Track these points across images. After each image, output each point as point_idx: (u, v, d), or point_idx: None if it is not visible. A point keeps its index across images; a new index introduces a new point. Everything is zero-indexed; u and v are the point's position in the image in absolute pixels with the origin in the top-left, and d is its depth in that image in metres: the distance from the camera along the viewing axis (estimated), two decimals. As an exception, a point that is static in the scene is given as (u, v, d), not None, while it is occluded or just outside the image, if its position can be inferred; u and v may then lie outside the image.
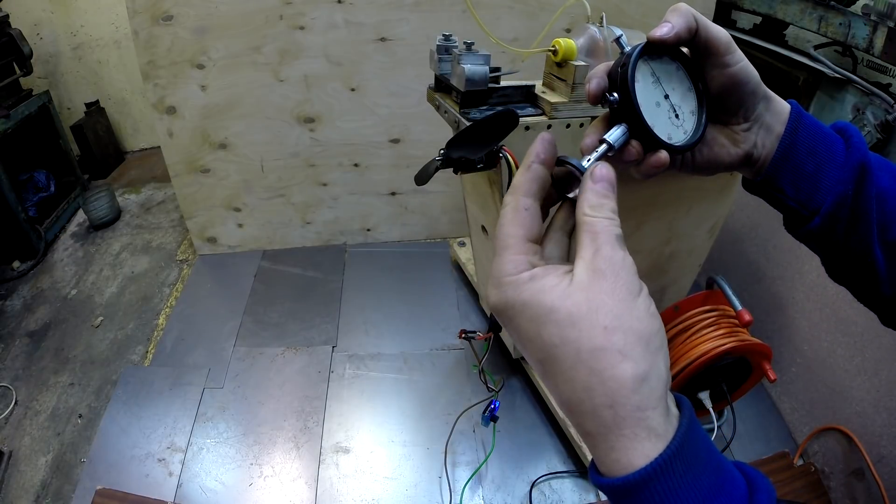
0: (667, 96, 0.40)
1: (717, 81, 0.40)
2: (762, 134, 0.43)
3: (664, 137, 0.39)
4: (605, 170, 0.35)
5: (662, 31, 0.38)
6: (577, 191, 0.36)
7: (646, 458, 0.26)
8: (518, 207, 0.34)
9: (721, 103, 0.42)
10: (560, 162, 0.37)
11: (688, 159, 0.43)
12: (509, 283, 0.32)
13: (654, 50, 0.39)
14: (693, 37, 0.38)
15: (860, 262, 0.43)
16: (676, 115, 0.40)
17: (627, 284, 0.30)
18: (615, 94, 0.39)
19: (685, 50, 0.41)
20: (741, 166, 0.44)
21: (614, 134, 0.38)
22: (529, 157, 0.36)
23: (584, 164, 0.37)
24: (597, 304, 0.29)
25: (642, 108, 0.38)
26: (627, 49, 0.39)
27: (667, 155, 0.38)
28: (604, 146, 0.38)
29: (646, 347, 0.28)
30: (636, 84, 0.38)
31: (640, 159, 0.39)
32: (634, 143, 0.38)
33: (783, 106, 0.44)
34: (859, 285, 0.46)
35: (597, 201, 0.33)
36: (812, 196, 0.42)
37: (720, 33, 0.39)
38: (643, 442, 0.26)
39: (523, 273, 0.32)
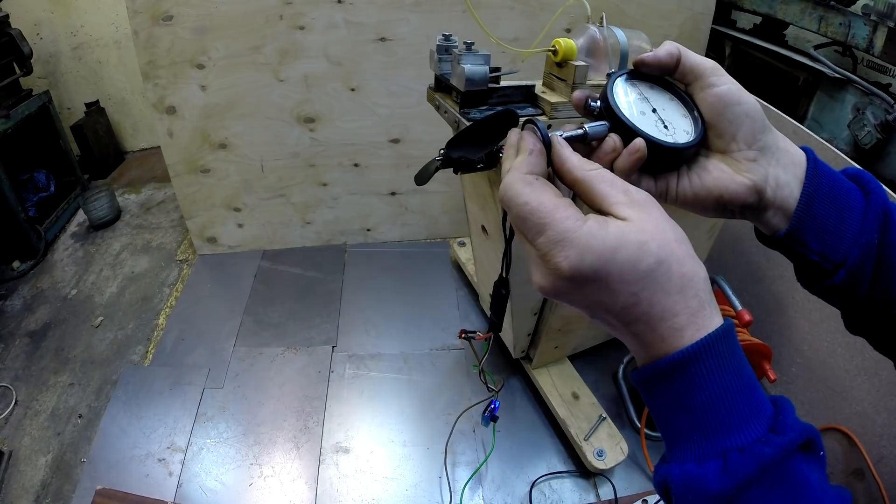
0: (654, 110, 0.41)
1: (707, 102, 0.41)
2: (773, 169, 0.41)
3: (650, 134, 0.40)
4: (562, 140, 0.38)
5: (644, 55, 0.42)
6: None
7: (719, 322, 0.33)
8: (528, 180, 0.35)
9: (715, 127, 0.41)
10: (530, 122, 0.38)
11: (685, 186, 0.42)
12: (585, 235, 0.32)
13: (641, 76, 0.43)
14: (677, 63, 0.42)
15: (883, 312, 0.41)
16: (665, 126, 0.41)
17: (662, 207, 0.35)
18: (598, 101, 0.42)
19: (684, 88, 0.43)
20: (755, 209, 0.41)
21: (593, 124, 0.41)
22: (527, 146, 0.38)
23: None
24: (661, 226, 0.33)
25: (626, 113, 0.40)
26: None
27: (642, 142, 0.39)
28: (580, 131, 0.40)
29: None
30: (619, 94, 0.41)
31: (619, 152, 0.40)
32: (613, 135, 0.40)
33: (796, 149, 0.42)
34: (880, 336, 0.44)
35: (582, 160, 0.36)
36: (836, 248, 0.40)
37: (704, 59, 0.42)
38: (715, 316, 0.33)
39: (588, 222, 0.33)
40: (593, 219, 0.33)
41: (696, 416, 0.32)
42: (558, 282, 0.33)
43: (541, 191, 0.34)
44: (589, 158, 0.41)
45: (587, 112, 0.43)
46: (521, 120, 0.41)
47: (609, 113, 0.41)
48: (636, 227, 0.32)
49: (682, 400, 0.32)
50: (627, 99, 0.41)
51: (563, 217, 0.33)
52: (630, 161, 0.39)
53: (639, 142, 0.39)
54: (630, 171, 0.40)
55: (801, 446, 0.31)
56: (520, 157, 0.37)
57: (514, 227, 0.36)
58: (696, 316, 0.32)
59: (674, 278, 0.32)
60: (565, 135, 0.39)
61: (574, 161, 0.36)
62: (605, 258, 0.32)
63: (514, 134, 0.41)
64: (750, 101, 0.40)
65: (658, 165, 0.41)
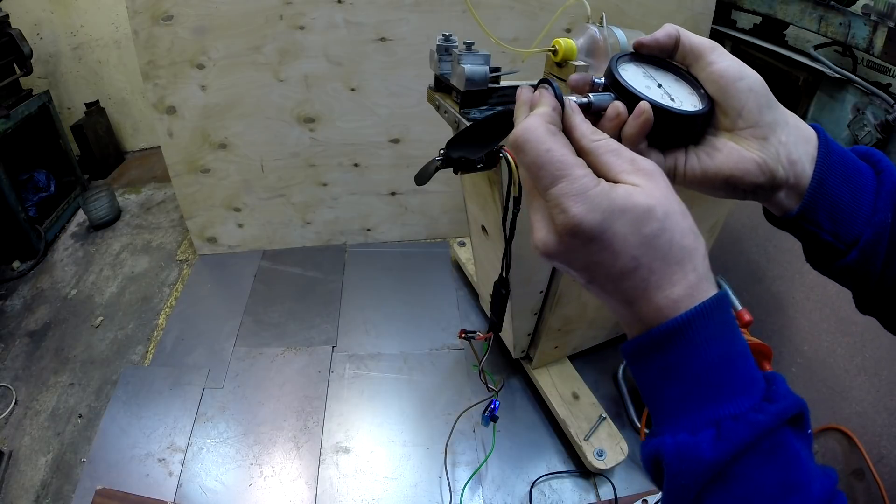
0: (660, 85, 0.41)
1: (710, 80, 0.40)
2: (784, 147, 0.40)
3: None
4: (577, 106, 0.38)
5: (643, 37, 0.43)
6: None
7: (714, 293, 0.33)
8: (552, 129, 0.35)
9: (720, 104, 0.41)
10: (545, 81, 0.38)
11: (694, 165, 0.41)
12: (598, 194, 0.32)
13: (643, 58, 0.43)
14: (676, 44, 0.42)
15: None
16: (672, 99, 0.40)
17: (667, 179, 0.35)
18: (601, 79, 0.41)
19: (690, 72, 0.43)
20: (767, 189, 0.40)
21: (598, 94, 0.40)
22: (548, 102, 0.37)
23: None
24: (667, 196, 0.33)
25: (631, 84, 0.40)
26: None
27: (647, 104, 0.38)
28: (585, 99, 0.40)
29: None
30: (624, 72, 0.40)
31: (623, 118, 0.39)
32: (617, 102, 0.39)
33: (807, 126, 0.42)
34: (892, 316, 0.43)
35: (591, 128, 0.37)
36: (849, 227, 0.39)
37: (704, 39, 0.42)
38: (711, 289, 0.33)
39: (602, 184, 0.33)
40: (605, 182, 0.33)
41: (689, 385, 0.32)
42: (564, 237, 0.33)
43: (563, 143, 0.34)
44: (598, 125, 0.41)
45: (588, 91, 0.42)
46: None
47: (615, 86, 0.40)
48: (644, 192, 0.33)
49: (675, 369, 0.32)
50: (632, 75, 0.41)
51: (582, 174, 0.33)
52: (636, 126, 0.38)
53: (643, 104, 0.38)
54: (638, 139, 0.39)
55: (791, 420, 0.31)
56: (542, 108, 0.37)
57: (524, 175, 0.36)
58: (693, 289, 0.32)
59: (675, 249, 0.33)
60: (572, 101, 0.39)
61: (583, 129, 0.36)
62: (612, 217, 0.32)
63: (525, 91, 0.40)
64: (752, 75, 0.40)
65: (667, 137, 0.41)
